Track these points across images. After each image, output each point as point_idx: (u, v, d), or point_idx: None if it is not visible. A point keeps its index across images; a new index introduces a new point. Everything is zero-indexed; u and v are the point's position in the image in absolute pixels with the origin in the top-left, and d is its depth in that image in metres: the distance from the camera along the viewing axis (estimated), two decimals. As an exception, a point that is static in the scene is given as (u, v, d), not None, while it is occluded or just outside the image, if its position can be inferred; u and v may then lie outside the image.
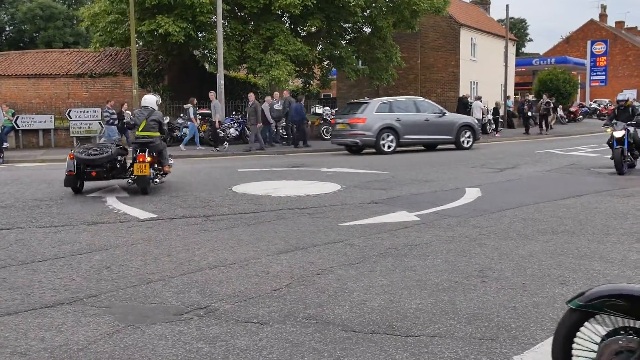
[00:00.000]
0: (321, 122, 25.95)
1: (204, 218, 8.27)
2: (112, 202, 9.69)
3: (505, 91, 35.08)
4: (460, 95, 31.99)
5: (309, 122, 24.47)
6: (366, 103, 20.41)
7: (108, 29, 25.39)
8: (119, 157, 11.12)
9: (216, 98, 21.62)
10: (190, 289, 5.07)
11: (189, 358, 3.69)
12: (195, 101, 21.73)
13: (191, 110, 21.30)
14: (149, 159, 10.67)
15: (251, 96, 20.85)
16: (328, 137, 23.30)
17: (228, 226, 7.71)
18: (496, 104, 30.77)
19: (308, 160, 17.32)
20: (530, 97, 33.44)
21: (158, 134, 11.26)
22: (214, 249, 6.48)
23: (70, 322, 4.32)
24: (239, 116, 23.65)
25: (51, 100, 28.67)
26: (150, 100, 11.56)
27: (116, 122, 20.35)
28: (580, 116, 41.86)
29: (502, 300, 4.64)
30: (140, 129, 11.19)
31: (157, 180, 11.15)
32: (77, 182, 10.71)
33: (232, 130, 22.86)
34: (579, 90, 44.50)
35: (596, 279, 5.17)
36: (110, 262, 5.96)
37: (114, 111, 20.55)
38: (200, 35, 26.27)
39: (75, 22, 50.94)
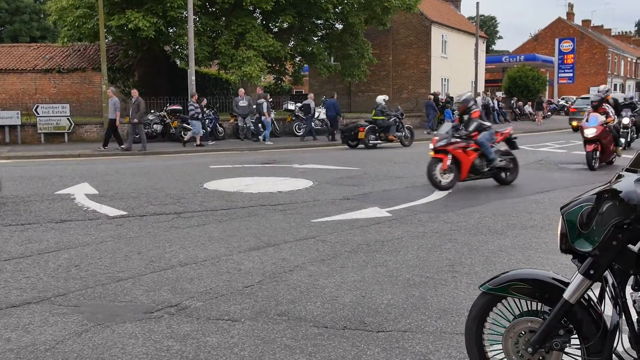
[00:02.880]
0: (293, 118, 25.89)
1: (175, 215, 8.20)
2: (81, 199, 9.54)
3: (475, 88, 35.44)
4: (432, 92, 32.23)
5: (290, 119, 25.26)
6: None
7: (76, 24, 24.91)
8: (354, 130, 19.82)
9: (114, 95, 20.65)
10: (161, 286, 5.02)
11: (160, 356, 3.65)
12: (268, 96, 22.39)
13: (264, 105, 21.89)
14: (365, 129, 19.41)
15: (134, 92, 19.71)
16: (300, 133, 23.69)
17: (199, 223, 7.65)
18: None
19: (281, 156, 17.29)
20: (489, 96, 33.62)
21: (383, 117, 19.81)
22: (185, 246, 6.43)
23: (37, 321, 4.24)
24: (211, 112, 23.47)
25: (18, 96, 28.04)
26: (379, 98, 20.44)
27: (200, 116, 20.62)
28: (549, 113, 42.54)
29: (473, 295, 4.68)
30: (372, 115, 20.25)
31: (374, 142, 19.65)
32: (346, 142, 20.08)
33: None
34: (547, 87, 45.21)
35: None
36: (78, 261, 5.87)
37: (198, 105, 20.61)
38: (171, 30, 25.99)
39: (42, 16, 49.87)
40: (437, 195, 9.71)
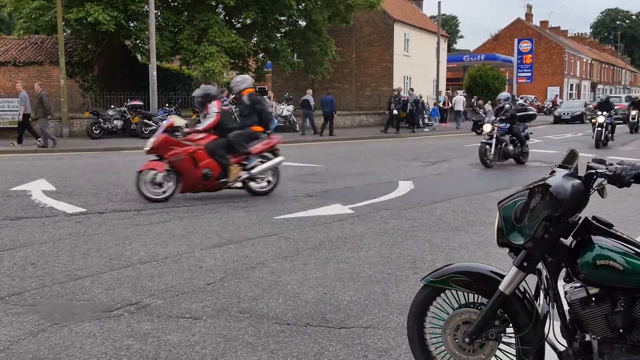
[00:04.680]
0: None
1: (136, 212, 8.08)
2: (38, 196, 9.31)
3: (437, 86, 35.87)
4: (394, 89, 32.46)
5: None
6: None
7: (33, 16, 24.27)
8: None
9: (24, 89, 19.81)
10: (121, 284, 4.94)
11: (119, 356, 3.60)
12: (270, 92, 23.95)
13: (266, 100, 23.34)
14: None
15: (37, 87, 18.84)
16: (297, 129, 24.98)
17: (160, 220, 7.56)
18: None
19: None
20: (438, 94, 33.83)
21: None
22: (146, 243, 6.34)
23: (-9, 321, 4.13)
24: (172, 108, 23.19)
25: (-30, 90, 27.23)
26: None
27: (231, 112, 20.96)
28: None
29: (433, 291, 4.74)
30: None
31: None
32: (475, 130, 22.50)
33: (165, 122, 22.43)
34: (506, 86, 46.05)
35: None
36: (35, 259, 5.73)
37: (229, 101, 20.81)
38: (132, 24, 25.56)
39: (-4, 7, 48.46)
40: (399, 192, 9.79)
